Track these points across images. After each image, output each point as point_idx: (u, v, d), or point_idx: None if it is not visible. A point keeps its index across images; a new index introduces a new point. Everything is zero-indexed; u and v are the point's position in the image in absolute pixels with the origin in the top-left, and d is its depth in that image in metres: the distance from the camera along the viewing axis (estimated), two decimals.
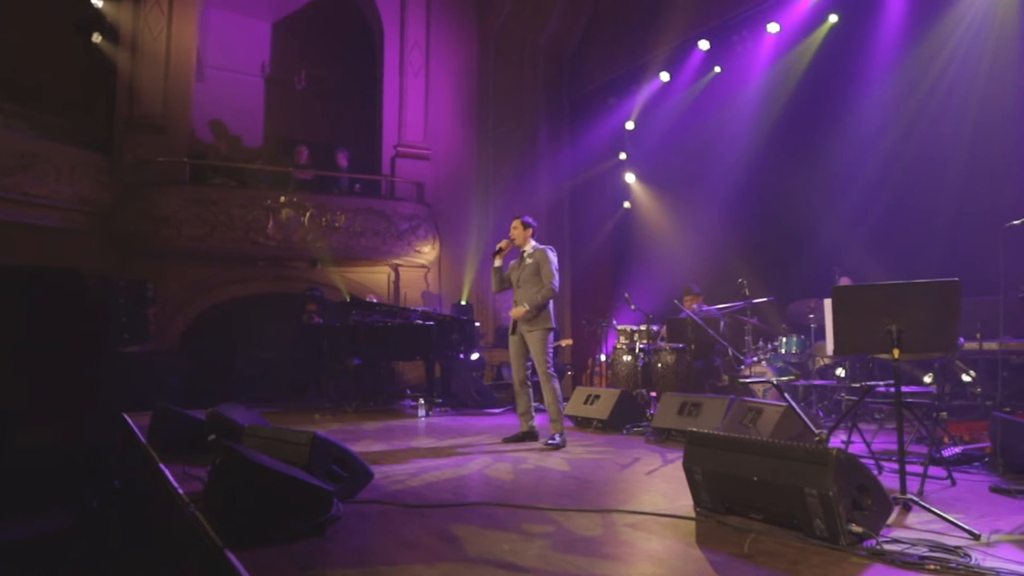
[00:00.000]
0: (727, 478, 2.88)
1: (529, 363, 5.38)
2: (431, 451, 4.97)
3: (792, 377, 4.50)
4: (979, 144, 6.38)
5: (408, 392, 8.96)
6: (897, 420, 2.97)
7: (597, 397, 6.21)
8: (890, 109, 7.21)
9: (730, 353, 6.29)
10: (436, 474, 4.08)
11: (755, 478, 2.74)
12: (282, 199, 9.49)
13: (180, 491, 3.45)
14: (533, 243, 5.37)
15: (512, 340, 5.35)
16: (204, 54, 11.39)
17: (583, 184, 11.65)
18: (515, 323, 5.29)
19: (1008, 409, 4.72)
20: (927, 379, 6.49)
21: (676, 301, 6.38)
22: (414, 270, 10.83)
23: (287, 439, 3.38)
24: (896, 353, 2.91)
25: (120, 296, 8.32)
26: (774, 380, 3.83)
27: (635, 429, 5.89)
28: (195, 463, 3.94)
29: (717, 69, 9.54)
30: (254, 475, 2.64)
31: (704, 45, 9.29)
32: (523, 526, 2.87)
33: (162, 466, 4.08)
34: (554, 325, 5.25)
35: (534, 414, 5.43)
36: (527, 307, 5.15)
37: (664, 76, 10.07)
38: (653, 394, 6.71)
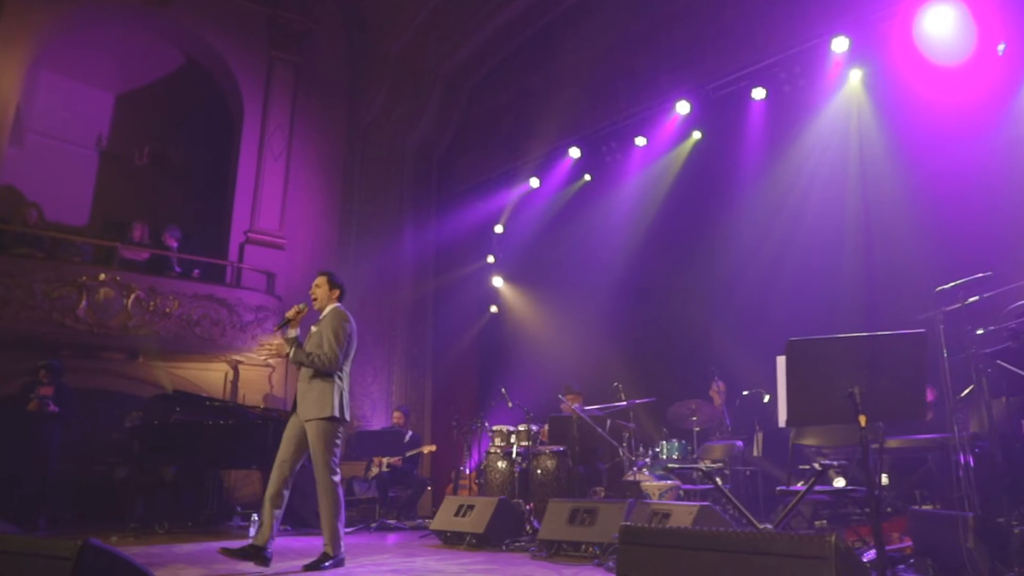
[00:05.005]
0: None
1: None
2: None
3: (720, 464, 3.96)
4: (847, 255, 6.58)
5: (239, 510, 7.47)
6: (873, 517, 2.43)
7: (471, 507, 5.32)
8: (763, 217, 7.39)
9: (621, 454, 5.69)
10: None
11: None
12: (101, 277, 8.06)
13: None
14: (335, 305, 4.35)
15: (291, 422, 4.19)
16: (27, 117, 10.00)
17: (449, 285, 11.12)
18: (296, 400, 4.20)
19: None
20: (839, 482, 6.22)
21: (560, 395, 5.77)
22: (257, 369, 9.51)
23: (36, 550, 2.25)
24: (863, 420, 2.42)
25: None
26: (702, 467, 3.27)
27: (516, 544, 5.02)
28: None
29: (587, 177, 9.63)
30: None
31: (575, 153, 9.37)
32: None
33: None
34: (337, 414, 4.06)
35: (275, 528, 4.05)
36: (289, 343, 4.03)
37: (534, 182, 10.03)
38: (530, 506, 5.89)
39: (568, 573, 3.86)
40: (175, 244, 9.11)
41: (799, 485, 3.81)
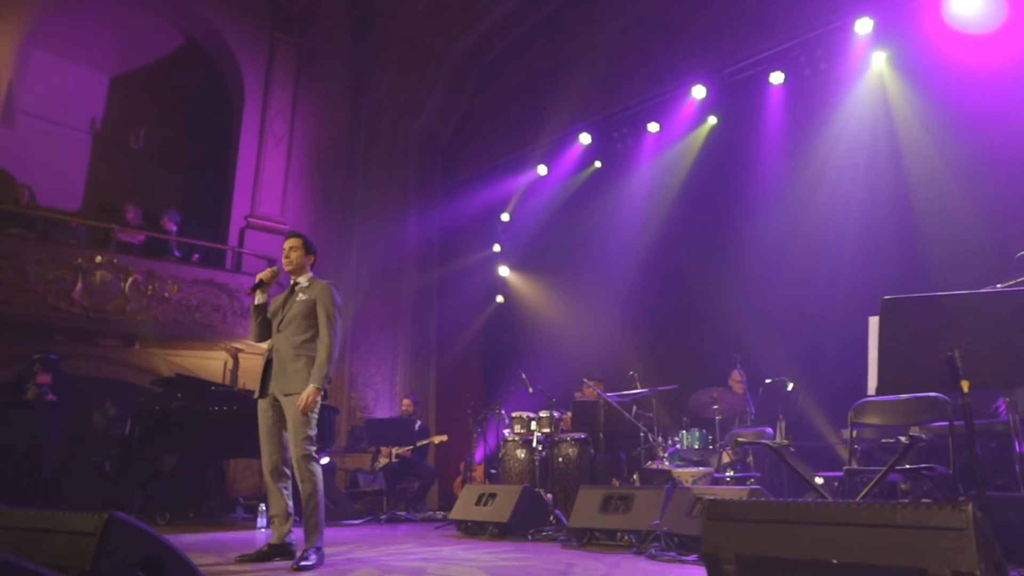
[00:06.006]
0: (783, 565, 1.94)
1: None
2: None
3: (786, 441, 3.76)
4: (872, 238, 6.39)
5: (242, 501, 7.19)
6: (980, 496, 2.22)
7: (492, 496, 5.08)
8: (783, 203, 7.19)
9: (651, 440, 5.48)
10: None
11: (834, 561, 1.83)
12: (98, 259, 7.76)
13: None
14: (310, 274, 3.94)
15: (262, 408, 3.72)
16: (18, 97, 9.67)
17: (454, 274, 10.86)
18: (265, 384, 3.73)
19: None
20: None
21: (585, 380, 5.54)
22: (258, 358, 9.18)
23: (55, 526, 2.00)
24: (965, 386, 2.21)
25: None
26: (770, 443, 3.06)
27: (543, 533, 4.79)
28: None
29: (598, 164, 9.41)
30: None
31: (585, 139, 9.14)
32: None
33: None
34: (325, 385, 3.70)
35: (291, 517, 3.70)
36: (316, 387, 3.53)
37: (542, 169, 9.80)
38: (549, 496, 5.65)
39: (609, 562, 3.63)
40: (174, 228, 8.82)
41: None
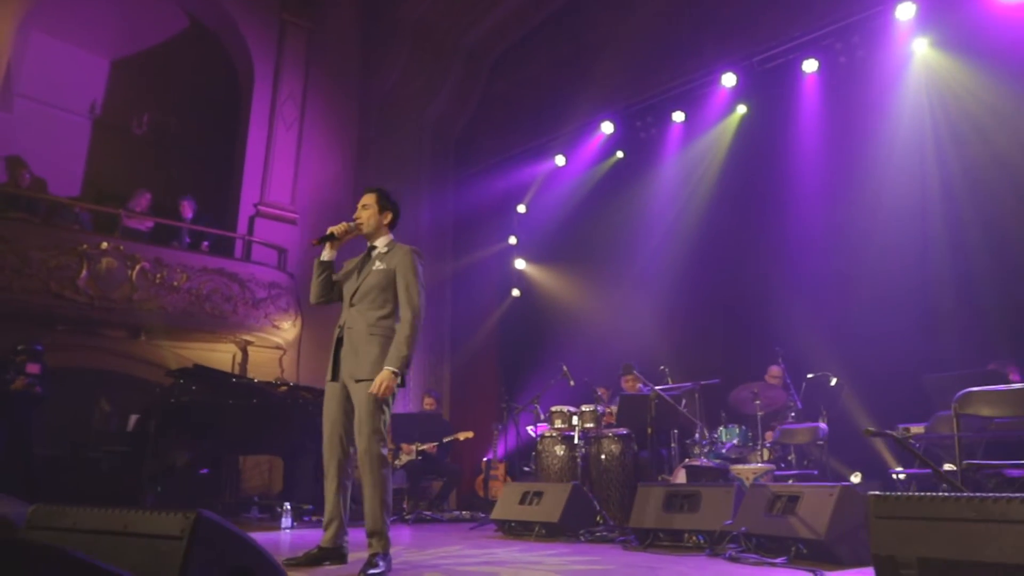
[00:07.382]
0: (982, 571, 1.66)
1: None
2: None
3: (908, 433, 3.49)
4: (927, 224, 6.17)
5: (256, 500, 6.86)
6: None
7: (539, 494, 4.78)
8: (821, 193, 6.95)
9: (705, 434, 5.22)
10: None
11: None
12: (104, 245, 7.40)
13: None
14: (390, 236, 3.42)
15: (330, 394, 3.27)
16: (16, 80, 9.28)
17: (468, 267, 10.56)
18: (336, 364, 3.26)
19: None
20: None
21: (635, 372, 5.27)
22: (267, 351, 8.89)
23: (133, 528, 1.70)
24: None
25: None
26: (895, 434, 2.80)
27: (597, 534, 4.50)
28: None
29: (620, 154, 9.15)
30: None
31: (608, 128, 8.87)
32: None
33: None
34: (400, 380, 3.21)
35: (345, 520, 3.30)
36: (392, 371, 3.05)
37: (560, 160, 9.52)
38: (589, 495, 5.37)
39: (690, 564, 3.35)
40: (190, 215, 8.46)
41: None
